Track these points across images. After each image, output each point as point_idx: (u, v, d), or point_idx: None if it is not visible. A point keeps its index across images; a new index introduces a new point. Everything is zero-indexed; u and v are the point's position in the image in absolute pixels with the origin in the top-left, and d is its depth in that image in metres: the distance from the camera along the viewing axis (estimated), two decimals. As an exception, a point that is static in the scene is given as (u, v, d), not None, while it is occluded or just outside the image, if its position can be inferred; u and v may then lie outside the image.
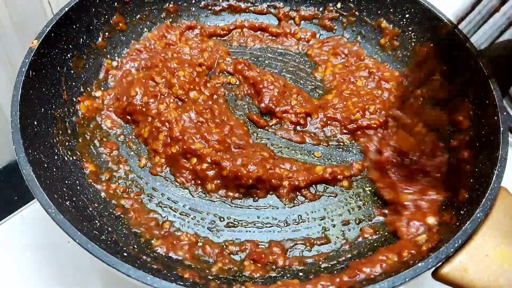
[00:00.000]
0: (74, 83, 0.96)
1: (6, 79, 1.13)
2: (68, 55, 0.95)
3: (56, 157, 0.84)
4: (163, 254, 0.81)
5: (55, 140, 0.86)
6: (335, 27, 1.17)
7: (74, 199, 0.80)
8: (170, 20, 1.14)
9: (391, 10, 1.10)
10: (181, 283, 0.72)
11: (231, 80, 1.06)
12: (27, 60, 0.83)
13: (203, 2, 1.16)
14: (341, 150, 0.98)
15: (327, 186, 0.92)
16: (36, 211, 1.01)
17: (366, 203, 0.90)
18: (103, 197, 0.87)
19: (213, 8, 1.17)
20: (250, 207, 0.88)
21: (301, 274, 0.80)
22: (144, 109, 0.95)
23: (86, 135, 0.94)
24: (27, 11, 1.13)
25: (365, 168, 0.94)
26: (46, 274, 0.94)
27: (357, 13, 1.14)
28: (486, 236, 0.71)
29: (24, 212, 1.02)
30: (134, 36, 1.09)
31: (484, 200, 0.73)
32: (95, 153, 0.93)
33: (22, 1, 1.11)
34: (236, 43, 1.15)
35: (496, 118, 0.83)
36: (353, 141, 0.99)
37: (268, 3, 1.18)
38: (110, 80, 1.03)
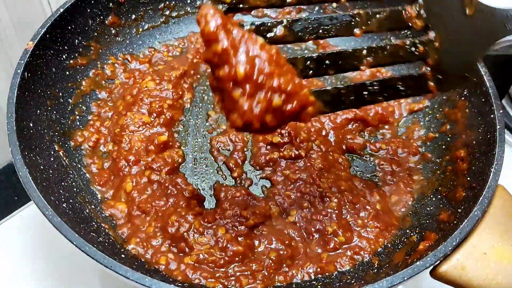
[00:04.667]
0: (69, 85, 0.96)
1: (6, 79, 1.12)
2: (64, 56, 0.95)
3: (52, 159, 0.84)
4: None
5: (51, 142, 0.86)
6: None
7: (71, 201, 0.80)
8: (163, 19, 1.13)
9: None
10: (180, 284, 0.72)
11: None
12: (22, 61, 0.83)
13: (198, 2, 1.16)
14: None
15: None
16: (35, 212, 1.00)
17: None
18: (99, 198, 0.87)
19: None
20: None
21: None
22: None
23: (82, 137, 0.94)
24: (27, 11, 1.12)
25: None
26: (46, 274, 0.94)
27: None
28: (484, 234, 0.71)
29: (23, 212, 1.03)
30: (129, 37, 1.09)
31: (481, 198, 0.73)
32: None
33: (22, 1, 1.11)
34: None
35: (492, 116, 0.83)
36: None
37: (264, 3, 1.18)
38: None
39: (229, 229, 0.80)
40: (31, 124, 0.82)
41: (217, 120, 1.01)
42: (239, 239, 0.79)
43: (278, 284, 0.78)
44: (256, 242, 0.81)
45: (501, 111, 0.83)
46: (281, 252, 0.80)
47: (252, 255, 0.79)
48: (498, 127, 0.81)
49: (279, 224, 0.84)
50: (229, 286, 0.76)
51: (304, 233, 0.84)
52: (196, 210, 0.82)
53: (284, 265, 0.80)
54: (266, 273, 0.78)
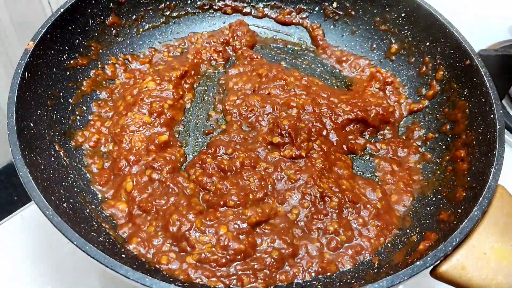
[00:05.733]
0: (70, 85, 0.96)
1: (6, 80, 1.13)
2: (64, 56, 0.95)
3: (53, 159, 0.84)
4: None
5: (52, 142, 0.86)
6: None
7: (71, 201, 0.80)
8: (164, 19, 1.14)
9: (387, 9, 1.10)
10: (181, 284, 0.72)
11: None
12: (22, 61, 0.83)
13: (199, 2, 1.16)
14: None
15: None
16: (35, 212, 1.00)
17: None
18: (100, 198, 0.87)
19: (209, 8, 1.17)
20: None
21: None
22: None
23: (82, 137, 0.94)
24: (27, 11, 1.13)
25: None
26: (46, 274, 0.94)
27: (353, 12, 1.15)
28: (484, 234, 0.71)
29: (23, 212, 1.03)
30: (129, 37, 1.09)
31: (481, 198, 0.73)
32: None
33: (22, 1, 1.11)
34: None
35: (492, 116, 0.83)
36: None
37: (264, 3, 1.19)
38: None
39: (230, 227, 0.80)
40: (31, 124, 0.82)
41: (217, 120, 1.01)
42: (241, 237, 0.79)
43: (279, 283, 0.78)
44: (258, 241, 0.81)
45: (501, 111, 0.83)
46: (283, 251, 0.80)
47: (254, 253, 0.79)
48: (498, 127, 0.81)
49: (281, 223, 0.84)
50: (230, 286, 0.76)
51: (306, 232, 0.84)
52: (197, 209, 0.82)
53: (286, 264, 0.80)
54: (267, 272, 0.78)
